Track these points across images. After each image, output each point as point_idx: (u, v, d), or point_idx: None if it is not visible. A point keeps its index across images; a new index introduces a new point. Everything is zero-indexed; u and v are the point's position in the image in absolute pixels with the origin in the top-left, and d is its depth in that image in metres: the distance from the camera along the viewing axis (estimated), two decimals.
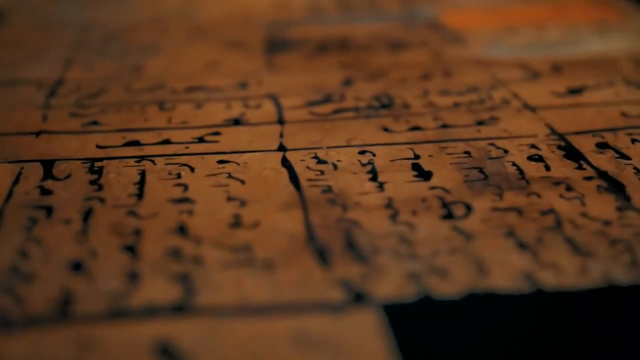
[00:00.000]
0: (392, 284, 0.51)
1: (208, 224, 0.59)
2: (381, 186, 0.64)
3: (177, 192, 0.64)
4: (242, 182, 0.66)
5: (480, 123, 0.77)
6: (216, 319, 0.48)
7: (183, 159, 0.70)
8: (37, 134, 0.76)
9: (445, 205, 0.61)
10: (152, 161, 0.70)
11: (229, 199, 0.63)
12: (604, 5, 1.22)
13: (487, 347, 0.46)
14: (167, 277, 0.53)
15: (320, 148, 0.72)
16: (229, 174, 0.67)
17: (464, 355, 0.46)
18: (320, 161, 0.69)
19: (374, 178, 0.66)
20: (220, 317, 0.49)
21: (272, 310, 0.49)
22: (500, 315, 0.49)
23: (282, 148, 0.72)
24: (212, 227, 0.59)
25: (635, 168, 0.67)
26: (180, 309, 0.49)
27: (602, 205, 0.61)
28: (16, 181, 0.66)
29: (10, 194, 0.64)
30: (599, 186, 0.64)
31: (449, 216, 0.60)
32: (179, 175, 0.67)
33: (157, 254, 0.55)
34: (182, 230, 0.58)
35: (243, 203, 0.62)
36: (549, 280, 0.52)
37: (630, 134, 0.73)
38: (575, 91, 0.85)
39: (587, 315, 0.49)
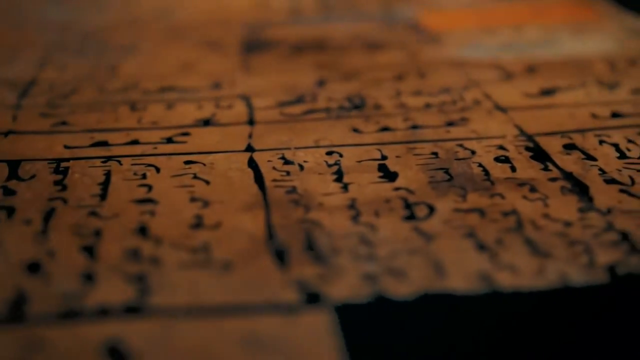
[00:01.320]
0: (347, 285, 0.51)
1: (169, 224, 0.59)
2: (345, 187, 0.64)
3: (141, 193, 0.64)
4: (207, 182, 0.65)
5: (450, 124, 0.77)
6: (168, 319, 0.48)
7: (150, 160, 0.70)
8: (6, 134, 0.76)
9: (408, 206, 0.61)
10: (119, 161, 0.69)
11: (193, 199, 0.63)
12: (583, 6, 1.22)
13: (441, 348, 0.46)
14: (123, 278, 0.52)
15: (288, 149, 0.72)
16: (194, 174, 0.67)
17: (416, 357, 0.46)
18: (286, 162, 0.69)
19: (339, 179, 0.66)
20: (172, 318, 0.48)
21: (224, 311, 0.49)
22: (455, 316, 0.49)
23: (249, 149, 0.72)
24: (172, 227, 0.59)
25: (600, 169, 0.66)
26: (133, 310, 0.49)
27: (565, 207, 0.61)
28: None
29: None
30: (562, 187, 0.64)
31: (411, 217, 0.59)
32: (144, 176, 0.67)
33: (116, 254, 0.55)
34: (142, 230, 0.58)
35: (206, 204, 0.62)
36: (505, 281, 0.52)
37: (598, 135, 0.73)
38: (547, 92, 0.85)
39: (542, 316, 0.49)
